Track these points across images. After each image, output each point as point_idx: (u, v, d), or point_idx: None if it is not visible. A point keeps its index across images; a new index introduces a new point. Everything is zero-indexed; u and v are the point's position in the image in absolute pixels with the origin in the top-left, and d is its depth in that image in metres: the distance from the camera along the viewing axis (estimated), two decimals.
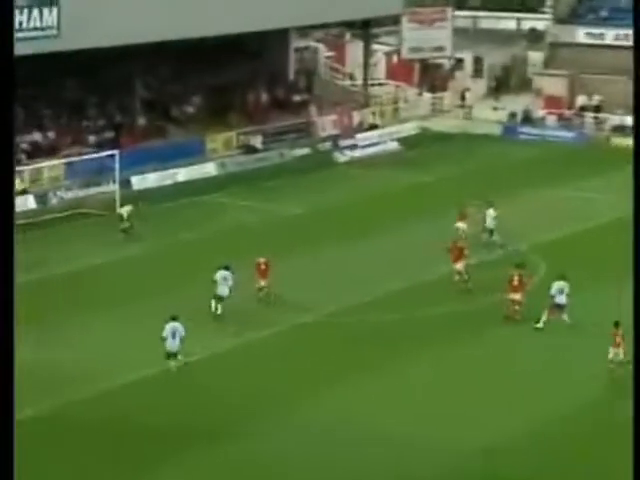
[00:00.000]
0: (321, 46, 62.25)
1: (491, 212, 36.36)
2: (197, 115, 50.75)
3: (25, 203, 40.82)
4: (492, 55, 65.78)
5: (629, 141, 48.95)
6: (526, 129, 56.14)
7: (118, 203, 40.19)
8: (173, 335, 25.46)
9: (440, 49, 61.03)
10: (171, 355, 25.57)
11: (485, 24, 69.39)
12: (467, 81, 63.89)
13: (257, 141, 50.26)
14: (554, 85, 58.57)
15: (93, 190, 41.93)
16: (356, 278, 33.04)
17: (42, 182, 42.58)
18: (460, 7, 64.76)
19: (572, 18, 60.75)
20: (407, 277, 32.72)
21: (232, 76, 53.57)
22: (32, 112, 46.23)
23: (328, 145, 52.18)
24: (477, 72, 65.39)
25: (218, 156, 48.82)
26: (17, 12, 40.74)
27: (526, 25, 69.76)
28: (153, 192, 43.18)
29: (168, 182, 45.25)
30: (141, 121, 48.58)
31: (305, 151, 51.08)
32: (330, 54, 62.77)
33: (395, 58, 63.34)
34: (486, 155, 51.43)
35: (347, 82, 62.22)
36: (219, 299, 29.48)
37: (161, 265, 34.51)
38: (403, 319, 29.78)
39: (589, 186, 44.39)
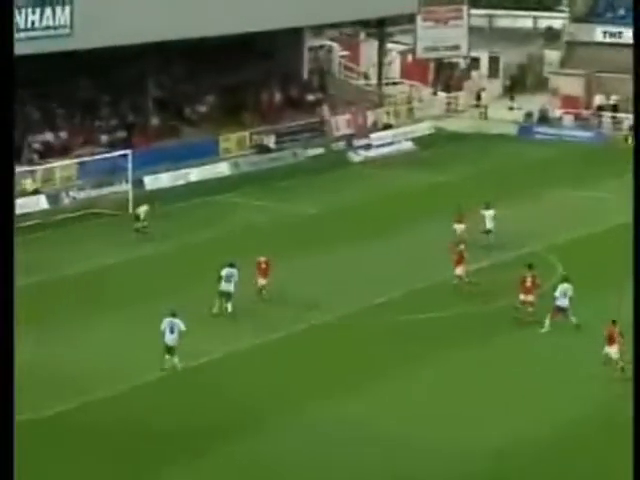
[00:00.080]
0: (335, 45, 61.96)
1: (490, 213, 35.95)
2: (210, 115, 50.52)
3: (37, 203, 40.69)
4: (508, 54, 65.37)
5: None
6: (542, 129, 55.74)
7: (131, 203, 40.02)
8: (171, 330, 25.61)
9: (455, 48, 60.66)
10: (169, 349, 25.58)
11: (501, 23, 69.00)
12: (483, 80, 63.49)
13: (270, 141, 50.02)
14: (571, 84, 58.11)
15: (105, 190, 41.76)
16: (369, 279, 32.79)
17: (54, 182, 42.43)
18: (476, 5, 64.35)
19: (589, 16, 60.25)
20: (421, 278, 32.44)
21: (245, 75, 53.33)
22: (44, 112, 46.10)
23: (342, 145, 51.90)
24: (493, 71, 64.98)
25: (231, 156, 48.60)
26: (29, 11, 40.66)
27: (543, 24, 69.35)
28: (166, 192, 42.99)
29: (181, 182, 45.05)
30: (154, 121, 48.39)
31: (319, 151, 50.82)
32: (344, 53, 62.47)
33: (410, 57, 63.00)
34: (501, 155, 51.09)
35: (361, 81, 61.93)
36: (225, 297, 29.30)
37: (174, 265, 34.31)
38: (416, 320, 29.53)
39: (607, 186, 43.95)
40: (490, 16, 69.12)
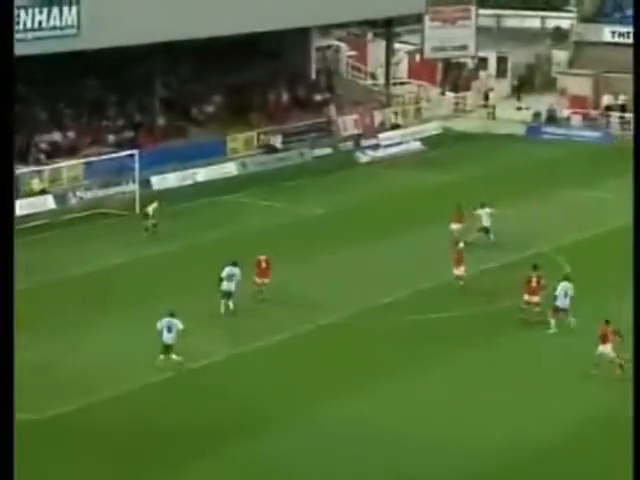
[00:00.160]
0: (343, 45, 61.89)
1: (486, 211, 35.82)
2: (217, 115, 50.47)
3: (44, 203, 40.68)
4: (516, 54, 65.24)
5: None
6: (550, 129, 55.61)
7: (138, 203, 39.99)
8: (169, 329, 25.67)
9: (463, 48, 60.54)
10: (166, 348, 25.63)
11: (509, 23, 68.89)
12: (490, 81, 63.36)
13: (278, 141, 49.95)
14: (579, 84, 57.96)
15: (113, 190, 41.74)
16: (376, 279, 32.73)
17: (61, 182, 42.42)
18: (484, 5, 64.22)
19: (597, 16, 60.09)
20: (427, 278, 32.32)
21: (253, 75, 53.27)
22: (52, 112, 46.09)
23: (350, 145, 51.83)
24: (501, 71, 64.86)
25: (239, 156, 48.55)
26: (37, 11, 40.65)
27: (551, 24, 69.23)
28: (173, 192, 42.96)
29: (188, 182, 45.01)
30: (161, 121, 48.36)
31: (326, 151, 50.75)
32: (352, 53, 62.39)
33: (417, 57, 62.89)
34: (509, 155, 50.98)
35: (369, 81, 61.85)
36: (226, 295, 29.32)
37: (181, 265, 34.25)
38: (423, 320, 29.45)
39: (615, 186, 43.77)
40: (498, 16, 69.00)
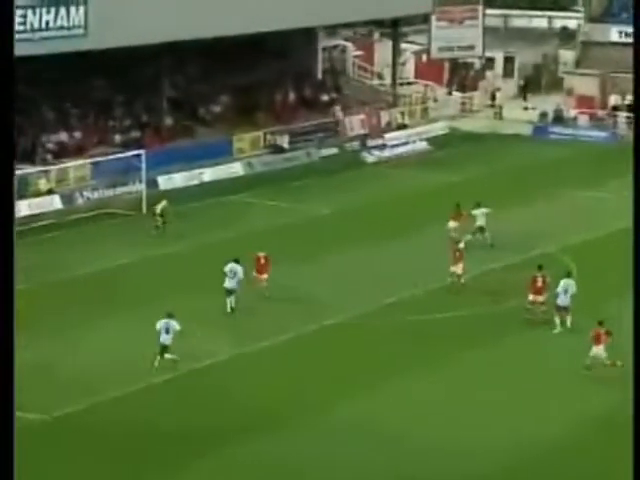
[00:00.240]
0: (349, 45, 61.88)
1: (482, 211, 35.82)
2: (224, 115, 50.50)
3: (51, 203, 40.73)
4: (523, 54, 65.17)
5: None
6: (557, 129, 55.56)
7: (144, 203, 40.03)
8: (167, 331, 25.81)
9: (470, 48, 60.49)
10: (163, 348, 25.75)
11: (516, 23, 68.80)
12: (497, 80, 63.30)
13: (284, 141, 49.96)
14: (586, 84, 57.89)
15: (119, 190, 41.79)
16: (382, 279, 32.69)
17: (68, 182, 42.47)
18: (491, 5, 64.15)
19: (604, 16, 60.01)
20: (433, 278, 32.24)
21: (259, 75, 53.30)
22: (59, 112, 46.16)
23: (356, 145, 51.82)
24: (508, 71, 64.79)
25: (245, 156, 48.56)
26: (44, 11, 40.69)
27: (558, 24, 69.13)
28: (180, 192, 42.97)
29: (195, 182, 45.04)
30: (168, 121, 48.40)
31: (333, 151, 50.75)
32: (358, 53, 62.37)
33: (424, 57, 62.85)
34: (516, 155, 50.92)
35: (376, 81, 61.83)
36: (227, 293, 29.41)
37: (187, 265, 34.27)
38: (428, 320, 29.42)
39: (621, 186, 43.64)
40: (505, 16, 68.91)
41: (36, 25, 40.54)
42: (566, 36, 66.81)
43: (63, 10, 41.39)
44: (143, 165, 41.10)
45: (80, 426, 23.13)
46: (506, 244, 36.05)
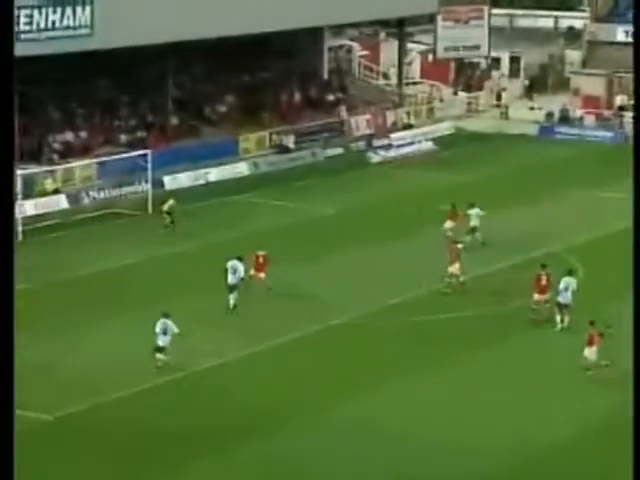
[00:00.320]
0: (355, 45, 61.90)
1: (476, 212, 35.77)
2: (230, 115, 50.53)
3: (57, 203, 40.78)
4: (529, 54, 65.12)
5: None
6: (563, 129, 55.51)
7: (150, 203, 40.08)
8: (164, 332, 25.84)
9: (476, 48, 60.46)
10: (159, 349, 25.79)
11: (522, 22, 68.76)
12: (503, 80, 63.25)
13: (290, 141, 49.97)
14: (592, 84, 57.84)
15: (125, 190, 41.82)
16: (388, 279, 32.68)
17: (74, 182, 42.53)
18: (497, 5, 64.11)
19: (611, 16, 59.96)
20: (438, 279, 32.19)
21: (265, 75, 53.36)
22: (64, 111, 46.22)
23: (362, 145, 51.82)
24: (514, 71, 64.74)
25: (251, 156, 48.59)
26: (50, 11, 40.75)
27: (564, 23, 69.07)
28: (185, 192, 42.99)
29: (200, 182, 45.07)
30: (173, 121, 48.44)
31: (338, 151, 50.75)
32: (364, 53, 62.38)
33: (430, 57, 62.84)
34: (522, 155, 50.89)
35: (381, 81, 61.84)
36: (229, 289, 29.46)
37: (192, 265, 34.28)
38: (433, 321, 29.41)
39: (628, 186, 43.57)
40: (511, 16, 68.88)
41: (42, 25, 40.59)
42: (572, 36, 66.74)
43: (69, 10, 41.44)
44: (149, 165, 41.14)
45: (82, 426, 23.15)
46: (511, 244, 36.02)
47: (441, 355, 27.19)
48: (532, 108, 60.19)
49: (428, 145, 52.60)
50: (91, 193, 41.72)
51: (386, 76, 62.41)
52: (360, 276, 33.02)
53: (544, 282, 29.22)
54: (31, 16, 40.08)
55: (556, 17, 69.41)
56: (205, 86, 51.13)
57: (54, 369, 25.99)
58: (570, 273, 29.14)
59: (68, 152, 44.22)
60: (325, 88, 55.45)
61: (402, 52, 58.71)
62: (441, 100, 60.48)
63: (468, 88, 62.15)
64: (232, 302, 29.67)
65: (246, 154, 48.65)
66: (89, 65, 44.96)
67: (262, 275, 30.62)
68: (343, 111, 53.56)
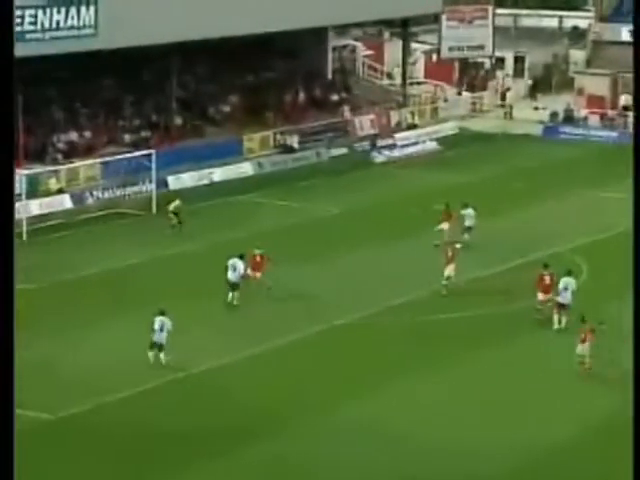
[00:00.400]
0: (359, 45, 61.89)
1: (469, 212, 35.72)
2: (234, 114, 50.54)
3: (61, 203, 40.81)
4: (533, 54, 65.08)
5: None
6: (568, 129, 55.48)
7: (154, 203, 40.09)
8: (161, 329, 25.88)
9: (480, 48, 60.44)
10: (155, 345, 25.81)
11: (526, 22, 68.72)
12: (507, 80, 63.21)
13: (294, 141, 49.97)
14: (596, 84, 57.77)
15: (129, 190, 41.83)
16: (391, 279, 32.68)
17: (78, 182, 42.55)
18: (501, 5, 64.08)
19: (615, 16, 59.88)
20: (441, 278, 32.13)
21: (269, 75, 53.36)
22: (68, 111, 46.25)
23: (366, 145, 51.81)
24: (518, 71, 64.70)
25: (255, 156, 48.60)
26: (54, 11, 40.80)
27: (568, 23, 69.04)
28: (189, 192, 43.00)
29: (205, 182, 45.09)
30: (177, 121, 48.47)
31: (342, 151, 50.74)
32: (368, 53, 62.37)
33: (434, 57, 62.82)
34: (526, 155, 50.85)
35: (385, 81, 61.83)
36: (230, 287, 29.46)
37: (195, 265, 34.29)
38: (437, 320, 29.39)
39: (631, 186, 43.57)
40: (515, 16, 68.84)
41: (46, 25, 40.64)
42: (576, 36, 66.71)
43: (73, 10, 41.48)
44: (153, 165, 41.17)
45: (84, 426, 23.16)
46: (515, 244, 35.99)
47: (444, 355, 27.19)
48: (536, 108, 60.15)
49: (432, 145, 52.59)
50: (95, 193, 41.74)
51: (390, 76, 62.40)
52: (364, 276, 33.02)
53: (547, 282, 29.20)
54: (35, 16, 40.13)
55: (560, 17, 69.37)
56: (209, 86, 51.14)
57: (57, 369, 25.99)
58: (569, 273, 29.10)
59: (72, 152, 44.24)
60: (329, 88, 55.45)
61: (406, 52, 58.71)
62: (445, 100, 60.45)
63: (472, 88, 62.13)
64: (233, 300, 29.70)
65: (250, 154, 48.65)
66: (93, 65, 45.00)
67: (258, 274, 30.62)
68: (347, 111, 53.56)
